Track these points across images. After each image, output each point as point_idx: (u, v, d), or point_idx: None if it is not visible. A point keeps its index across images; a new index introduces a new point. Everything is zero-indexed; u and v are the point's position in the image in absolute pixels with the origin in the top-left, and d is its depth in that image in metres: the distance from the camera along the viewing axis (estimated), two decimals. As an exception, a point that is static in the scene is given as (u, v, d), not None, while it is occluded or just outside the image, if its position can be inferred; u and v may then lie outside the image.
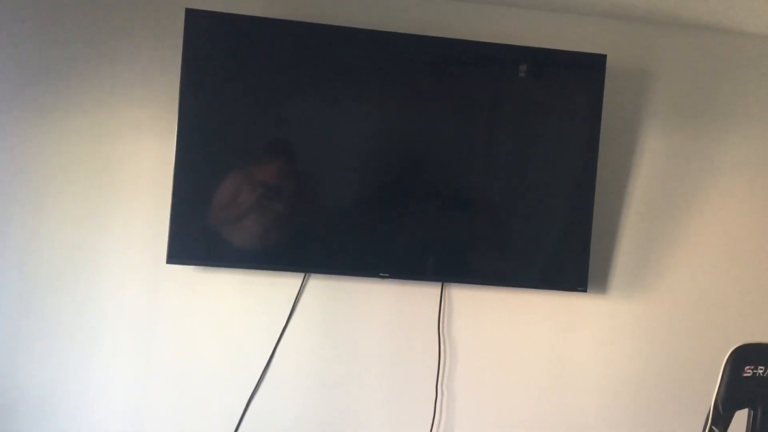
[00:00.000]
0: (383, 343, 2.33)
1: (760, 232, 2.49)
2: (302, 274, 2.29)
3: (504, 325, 2.37)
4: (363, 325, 2.32)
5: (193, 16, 2.15)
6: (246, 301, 2.29)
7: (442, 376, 2.33)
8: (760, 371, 2.23)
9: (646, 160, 2.47)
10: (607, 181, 2.43)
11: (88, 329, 2.25)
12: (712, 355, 2.36)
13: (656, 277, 2.44)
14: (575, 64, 2.30)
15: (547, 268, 2.31)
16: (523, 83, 2.27)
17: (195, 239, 2.17)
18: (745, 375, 2.21)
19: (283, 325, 2.28)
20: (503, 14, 2.44)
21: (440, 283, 2.33)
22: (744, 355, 2.26)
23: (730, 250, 2.47)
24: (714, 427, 2.06)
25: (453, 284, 2.34)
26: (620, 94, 2.46)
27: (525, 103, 2.29)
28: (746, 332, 2.41)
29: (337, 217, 2.23)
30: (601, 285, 2.41)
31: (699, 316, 2.43)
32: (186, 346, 2.27)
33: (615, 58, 2.43)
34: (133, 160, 2.27)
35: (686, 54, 2.52)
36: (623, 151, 2.47)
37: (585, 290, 2.28)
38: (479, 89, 2.27)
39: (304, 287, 2.30)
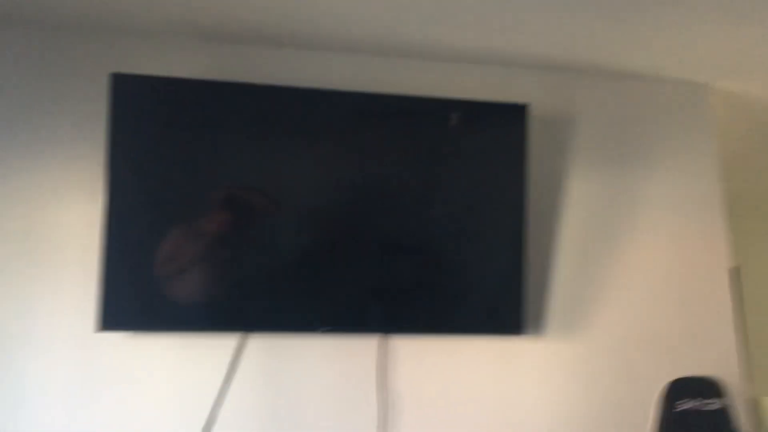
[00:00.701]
0: (326, 399, 2.30)
1: (681, 267, 2.59)
2: (241, 334, 2.27)
3: (445, 372, 2.38)
4: (304, 381, 2.29)
5: (118, 81, 2.14)
6: (183, 364, 2.24)
7: (385, 428, 2.32)
8: (691, 404, 2.29)
9: (573, 204, 2.56)
10: (539, 225, 2.50)
11: (20, 402, 2.16)
12: (646, 390, 2.43)
13: (589, 317, 2.50)
14: (499, 113, 2.37)
15: (484, 313, 2.33)
16: (452, 133, 2.33)
17: (126, 305, 2.12)
18: (678, 409, 2.28)
19: (221, 386, 2.24)
20: (430, 68, 2.52)
21: (380, 334, 2.34)
22: (676, 390, 2.33)
23: (655, 287, 2.56)
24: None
25: (393, 334, 2.35)
26: (546, 140, 2.56)
27: (455, 152, 2.33)
28: (676, 368, 2.48)
29: (274, 272, 2.22)
30: (538, 327, 2.46)
31: (631, 353, 2.49)
32: (122, 414, 2.20)
33: (539, 106, 2.53)
34: (57, 225, 2.22)
35: (605, 100, 2.65)
36: (552, 196, 2.55)
37: (521, 333, 2.32)
38: (410, 141, 2.32)
39: (243, 347, 2.27)
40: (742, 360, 2.56)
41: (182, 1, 2.13)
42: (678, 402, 2.30)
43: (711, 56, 2.48)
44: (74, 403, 2.18)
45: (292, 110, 2.26)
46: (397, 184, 2.30)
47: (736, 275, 3.63)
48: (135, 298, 2.13)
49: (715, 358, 2.53)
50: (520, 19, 2.21)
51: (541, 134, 2.54)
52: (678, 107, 2.71)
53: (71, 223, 2.23)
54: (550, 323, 2.47)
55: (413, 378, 2.36)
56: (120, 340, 2.22)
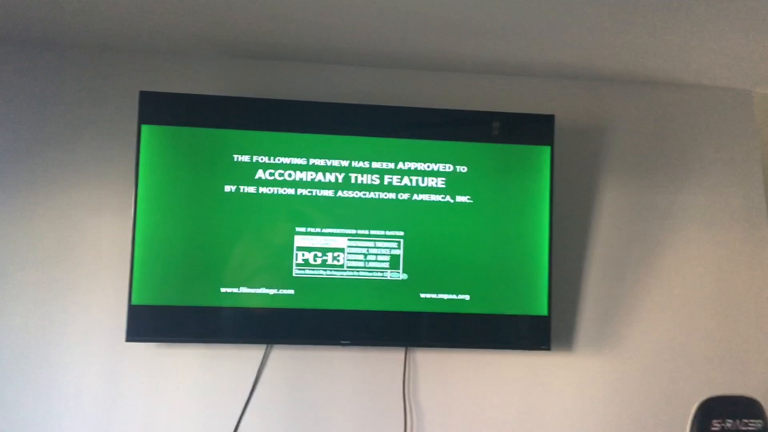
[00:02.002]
0: (349, 411, 2.31)
1: (720, 281, 2.49)
2: (264, 346, 2.30)
3: (470, 387, 2.35)
4: (327, 394, 2.31)
5: (147, 98, 2.21)
6: (208, 376, 2.28)
7: (410, 443, 2.31)
8: (728, 425, 2.20)
9: (603, 216, 2.50)
10: (567, 237, 2.44)
11: (50, 409, 2.24)
12: (679, 408, 2.35)
13: (620, 332, 2.43)
14: (526, 124, 2.34)
15: (509, 327, 2.30)
16: (476, 146, 2.31)
17: (154, 316, 2.18)
18: (713, 429, 2.19)
19: (246, 398, 2.27)
20: (446, 79, 2.51)
21: (404, 348, 2.33)
22: (710, 409, 2.24)
23: (691, 302, 2.47)
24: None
25: (417, 348, 2.34)
26: (574, 151, 2.50)
27: (484, 164, 2.32)
28: (712, 386, 2.39)
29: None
30: (567, 342, 2.40)
31: (664, 370, 2.41)
32: (148, 424, 2.26)
33: (566, 116, 2.49)
34: (92, 239, 2.30)
35: (635, 109, 2.58)
36: (581, 208, 2.49)
37: (548, 348, 2.28)
38: (438, 153, 2.32)
39: (266, 359, 2.30)
40: (787, 379, 2.45)
41: (201, 19, 2.18)
42: (716, 420, 2.21)
43: (752, 62, 2.38)
44: (102, 413, 2.24)
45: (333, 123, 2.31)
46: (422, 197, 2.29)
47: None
48: (161, 311, 2.18)
49: (755, 377, 2.42)
50: (553, 28, 2.18)
51: (570, 144, 2.50)
52: (717, 115, 2.61)
53: (104, 238, 2.30)
54: (581, 338, 2.41)
55: (438, 392, 2.34)
56: (146, 350, 2.27)
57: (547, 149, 2.32)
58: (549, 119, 2.34)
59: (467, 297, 2.28)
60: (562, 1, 2.01)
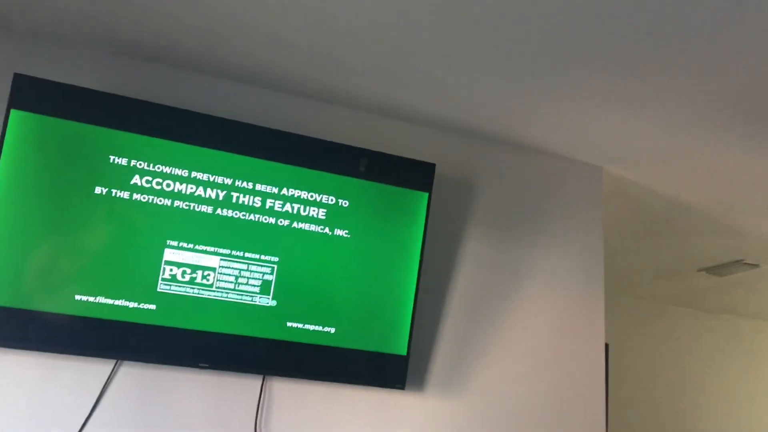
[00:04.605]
0: (196, 438, 2.22)
1: (562, 339, 2.70)
2: (113, 361, 2.16)
3: (323, 420, 2.35)
4: (177, 416, 2.20)
5: (21, 81, 2.05)
6: (45, 388, 2.10)
7: (256, 474, 2.26)
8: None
9: (466, 266, 2.63)
10: (430, 282, 2.54)
11: None
12: (517, 455, 2.49)
13: (469, 377, 2.54)
14: (409, 169, 2.42)
15: (369, 364, 2.34)
16: (360, 183, 2.35)
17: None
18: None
19: (87, 415, 2.11)
20: (337, 114, 2.56)
21: (262, 376, 2.29)
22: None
23: (535, 355, 2.65)
24: None
25: (275, 377, 2.31)
26: (446, 200, 2.63)
27: (366, 201, 2.36)
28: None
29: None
30: (419, 383, 2.48)
31: (506, 418, 2.55)
32: (-30, 436, 2.03)
33: (442, 165, 2.61)
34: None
35: (503, 168, 2.77)
36: (447, 255, 2.61)
37: (403, 388, 2.34)
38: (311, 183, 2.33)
39: (114, 375, 2.16)
40: (606, 432, 2.68)
41: (100, 9, 2.07)
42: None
43: (603, 142, 2.66)
44: None
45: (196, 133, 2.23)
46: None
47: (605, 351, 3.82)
48: (2, 311, 1.99)
49: (583, 429, 2.63)
50: (431, 77, 2.29)
51: (446, 194, 2.62)
52: (571, 185, 2.86)
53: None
54: (432, 380, 2.50)
55: (292, 423, 2.31)
56: (-19, 355, 2.06)
57: (425, 195, 2.42)
58: (430, 167, 2.44)
59: (332, 330, 2.29)
60: (461, 61, 2.15)
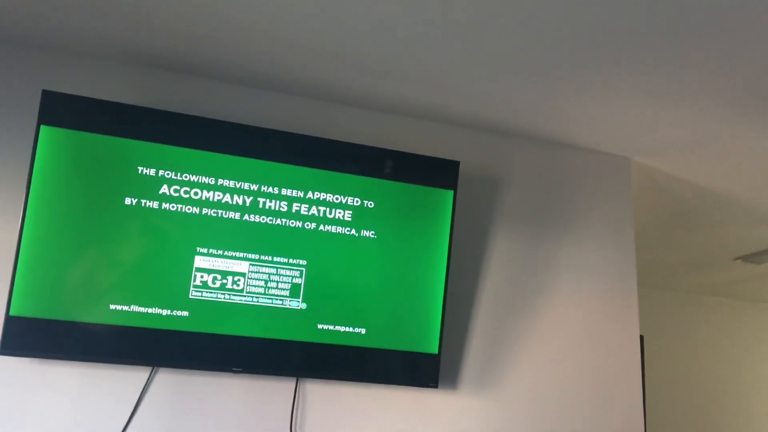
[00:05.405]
0: (233, 441, 2.25)
1: (596, 332, 2.68)
2: (149, 368, 2.20)
3: (357, 421, 2.36)
4: (213, 421, 2.23)
5: (50, 98, 2.09)
6: (85, 396, 2.14)
7: (293, 476, 2.28)
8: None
9: (495, 262, 2.62)
10: (460, 280, 2.54)
11: None
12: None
13: (503, 375, 2.54)
14: (433, 168, 2.42)
15: (401, 364, 2.34)
16: (384, 183, 2.36)
17: (34, 329, 2.03)
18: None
19: (126, 422, 2.15)
20: (360, 116, 2.57)
21: (295, 378, 2.31)
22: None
23: (569, 350, 2.63)
24: None
25: (308, 379, 2.32)
26: (473, 198, 2.63)
27: (391, 202, 2.37)
28: (587, 430, 2.54)
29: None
30: (452, 381, 2.48)
31: (541, 413, 2.54)
32: (14, 445, 2.08)
33: (468, 163, 2.61)
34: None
35: (529, 164, 2.75)
36: (476, 253, 2.61)
37: (436, 386, 2.34)
38: (340, 186, 2.34)
39: (151, 382, 2.20)
40: (646, 427, 2.65)
41: (119, 23, 2.11)
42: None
43: (632, 134, 2.63)
44: (-37, 431, 2.05)
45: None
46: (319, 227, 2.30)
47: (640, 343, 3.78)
48: (40, 323, 2.04)
49: (622, 422, 2.60)
50: (454, 75, 2.29)
51: (473, 191, 2.62)
52: (599, 177, 2.84)
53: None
54: (464, 378, 2.50)
55: (326, 424, 2.33)
56: (19, 365, 2.11)
57: (450, 193, 2.42)
58: (454, 165, 2.44)
59: (363, 330, 2.30)
60: (482, 57, 2.14)
